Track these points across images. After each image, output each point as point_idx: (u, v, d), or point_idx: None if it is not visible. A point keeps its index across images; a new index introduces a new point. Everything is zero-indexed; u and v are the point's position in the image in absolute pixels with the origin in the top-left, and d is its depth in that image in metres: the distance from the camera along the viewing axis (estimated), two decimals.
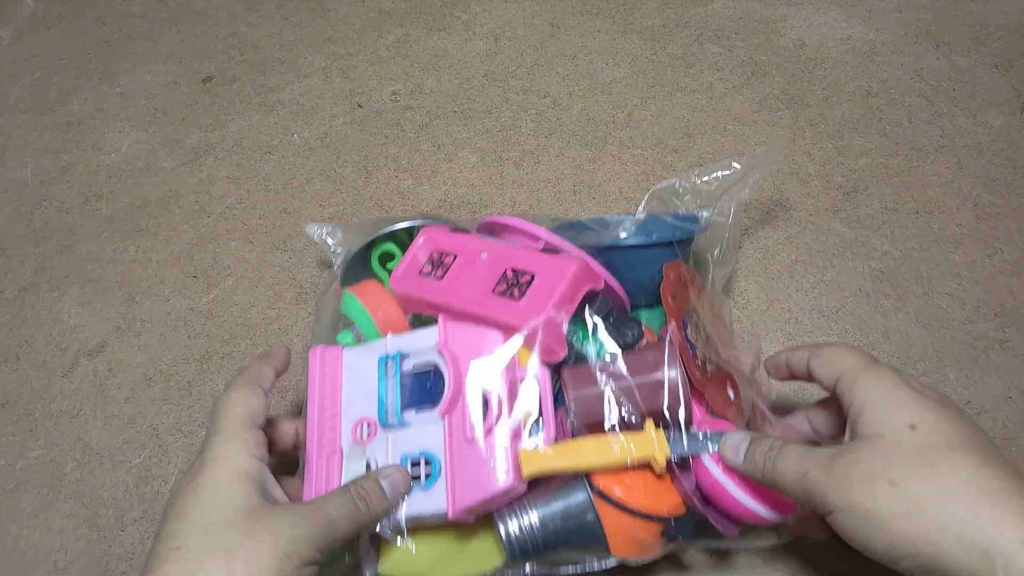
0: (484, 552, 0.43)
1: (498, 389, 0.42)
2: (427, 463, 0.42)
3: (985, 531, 0.31)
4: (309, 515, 0.37)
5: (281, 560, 0.35)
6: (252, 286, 0.66)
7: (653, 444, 0.41)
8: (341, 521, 0.38)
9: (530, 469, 0.40)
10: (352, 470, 0.43)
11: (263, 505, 0.37)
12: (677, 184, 0.55)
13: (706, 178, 0.55)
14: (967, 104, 0.71)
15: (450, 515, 0.40)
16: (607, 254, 0.50)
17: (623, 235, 0.51)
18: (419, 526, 0.42)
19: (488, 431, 0.41)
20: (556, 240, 0.49)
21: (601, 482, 0.42)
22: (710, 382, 0.46)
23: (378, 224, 0.56)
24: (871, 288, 0.60)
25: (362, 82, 0.81)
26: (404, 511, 0.41)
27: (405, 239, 0.55)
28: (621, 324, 0.47)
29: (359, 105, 0.79)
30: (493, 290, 0.46)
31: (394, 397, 0.44)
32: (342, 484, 0.42)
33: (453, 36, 0.84)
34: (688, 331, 0.47)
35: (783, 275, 0.61)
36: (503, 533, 0.41)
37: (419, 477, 0.42)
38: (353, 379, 0.47)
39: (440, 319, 0.46)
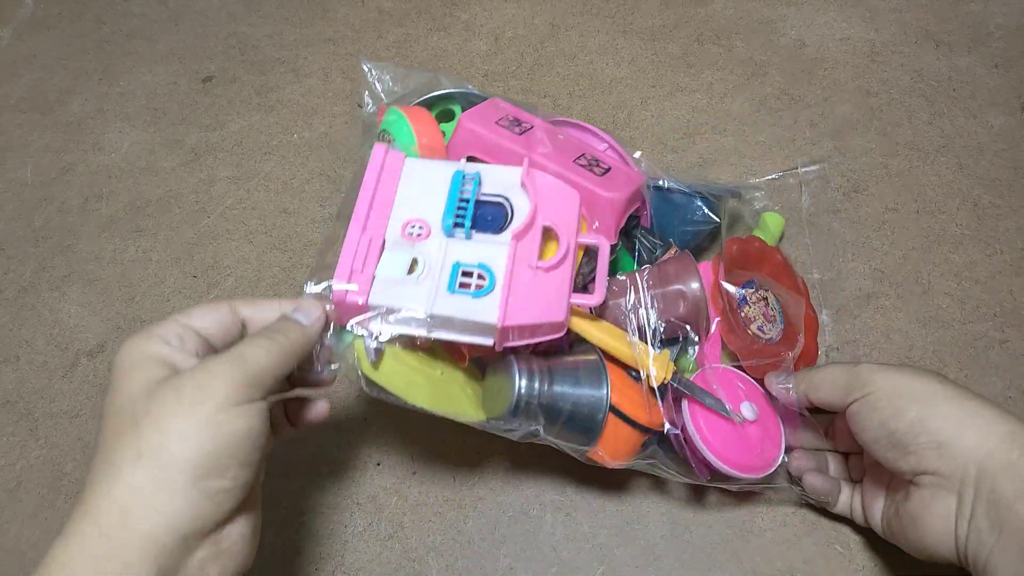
0: (463, 400, 0.47)
1: (567, 235, 0.45)
2: (481, 276, 0.43)
3: (999, 421, 0.39)
4: (221, 361, 0.35)
5: (204, 417, 0.33)
6: (252, 286, 0.66)
7: (664, 364, 0.46)
8: (259, 355, 0.36)
9: (572, 319, 0.44)
10: (394, 260, 0.44)
11: (169, 375, 0.35)
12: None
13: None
14: (967, 104, 0.71)
15: (499, 324, 0.41)
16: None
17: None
18: (442, 340, 0.44)
19: (551, 267, 0.44)
20: (622, 152, 0.55)
21: (615, 397, 0.45)
22: (740, 334, 0.50)
23: (436, 83, 0.59)
24: (871, 288, 0.60)
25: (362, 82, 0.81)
26: (454, 312, 0.42)
27: (464, 105, 0.58)
28: (649, 238, 0.55)
29: (359, 105, 0.79)
30: (574, 160, 0.50)
31: (468, 209, 0.45)
32: (376, 273, 0.43)
33: (453, 36, 0.84)
34: (752, 290, 0.53)
35: None
36: (516, 386, 0.44)
37: (469, 286, 0.43)
38: (412, 184, 0.47)
39: (525, 161, 0.47)
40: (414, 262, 0.44)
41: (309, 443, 0.56)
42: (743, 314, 0.52)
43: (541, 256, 0.45)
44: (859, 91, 0.74)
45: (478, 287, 0.42)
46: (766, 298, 0.53)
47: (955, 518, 0.39)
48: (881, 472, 0.45)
